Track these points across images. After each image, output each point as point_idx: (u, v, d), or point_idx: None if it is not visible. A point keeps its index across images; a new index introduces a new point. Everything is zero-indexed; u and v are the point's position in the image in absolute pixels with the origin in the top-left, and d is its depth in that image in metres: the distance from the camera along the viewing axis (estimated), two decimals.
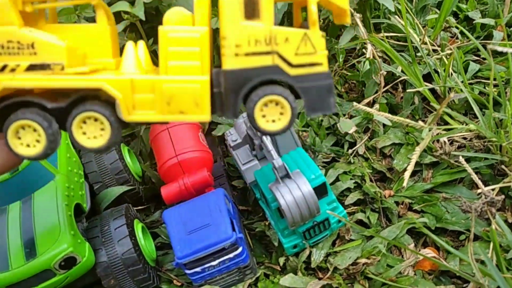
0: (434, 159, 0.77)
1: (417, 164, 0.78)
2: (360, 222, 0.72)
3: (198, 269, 0.61)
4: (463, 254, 0.58)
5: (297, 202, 0.56)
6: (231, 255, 0.61)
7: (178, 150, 0.69)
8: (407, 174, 0.64)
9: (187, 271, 0.61)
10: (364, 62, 0.80)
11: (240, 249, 0.61)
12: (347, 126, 0.74)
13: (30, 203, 0.60)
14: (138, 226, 0.68)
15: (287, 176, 0.58)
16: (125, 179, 0.74)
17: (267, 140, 0.59)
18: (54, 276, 0.57)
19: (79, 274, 0.60)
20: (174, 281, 0.69)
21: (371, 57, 0.75)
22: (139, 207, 0.78)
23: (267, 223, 0.69)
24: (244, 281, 0.66)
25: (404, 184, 0.66)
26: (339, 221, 0.65)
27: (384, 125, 0.84)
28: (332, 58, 0.96)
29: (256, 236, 0.72)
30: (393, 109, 0.87)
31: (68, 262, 0.57)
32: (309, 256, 0.66)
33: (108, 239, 0.62)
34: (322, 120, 0.85)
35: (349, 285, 0.64)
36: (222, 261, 0.61)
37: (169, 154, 0.69)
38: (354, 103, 0.74)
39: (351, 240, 0.69)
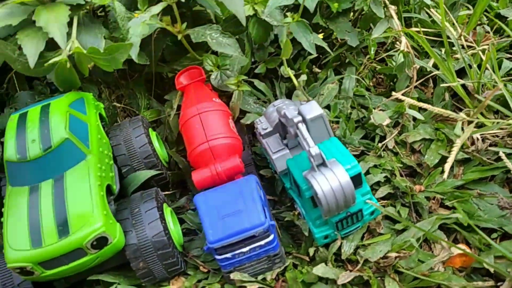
0: (466, 156, 0.75)
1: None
2: (389, 217, 0.71)
3: (228, 255, 0.60)
4: (504, 249, 0.57)
5: (334, 191, 0.55)
6: (262, 242, 0.60)
7: (209, 135, 0.68)
8: (447, 166, 0.63)
9: (217, 257, 0.60)
10: (398, 55, 0.78)
11: (271, 237, 0.61)
12: (381, 118, 0.73)
13: (62, 182, 0.60)
14: (167, 210, 0.67)
15: (323, 164, 0.57)
16: (154, 163, 0.73)
17: (303, 127, 0.58)
18: (85, 255, 0.57)
19: (109, 255, 0.60)
20: (201, 267, 0.69)
21: (405, 49, 0.73)
22: (165, 193, 0.78)
23: (296, 213, 0.68)
24: (273, 270, 0.65)
25: (445, 176, 0.65)
26: (372, 213, 0.64)
27: (414, 119, 0.83)
28: (360, 52, 0.94)
29: (283, 226, 0.72)
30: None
31: (100, 242, 0.56)
32: (339, 248, 0.65)
33: (138, 221, 0.62)
34: (351, 113, 0.84)
35: (379, 278, 0.63)
36: (253, 248, 0.61)
37: (200, 140, 0.68)
38: (393, 93, 0.72)
39: (380, 234, 0.68)
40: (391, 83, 0.92)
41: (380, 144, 0.79)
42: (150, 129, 0.79)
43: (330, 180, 0.56)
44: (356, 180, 0.60)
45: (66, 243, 0.55)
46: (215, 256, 0.61)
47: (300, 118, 0.58)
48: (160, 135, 0.85)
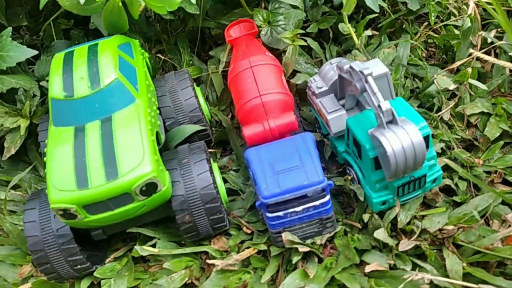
0: None
1: (508, 135, 0.73)
2: (446, 189, 0.66)
3: (280, 213, 0.57)
4: None
5: (405, 151, 0.51)
6: (316, 203, 0.57)
7: (262, 90, 0.64)
8: None
9: (268, 215, 0.57)
10: (465, 20, 0.73)
11: (327, 198, 0.57)
12: (446, 82, 0.68)
13: (110, 123, 0.56)
14: (214, 166, 0.64)
15: (394, 122, 0.53)
16: (199, 118, 0.70)
17: (373, 81, 0.54)
18: (132, 202, 0.54)
19: (155, 205, 0.56)
20: (244, 228, 0.66)
21: (473, 14, 0.69)
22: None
23: (349, 178, 0.64)
24: (322, 235, 0.61)
25: None
26: (434, 181, 0.60)
27: (470, 94, 0.78)
28: (414, 20, 0.89)
29: (331, 194, 0.68)
30: (480, 78, 0.81)
31: (149, 188, 0.53)
32: (394, 217, 0.61)
33: (187, 172, 0.58)
34: (404, 82, 0.80)
35: (435, 251, 0.60)
36: (306, 208, 0.57)
37: (252, 94, 0.64)
38: (455, 62, 0.68)
39: (435, 207, 0.64)
40: (444, 56, 0.88)
41: (436, 115, 0.74)
42: (194, 84, 0.75)
43: (402, 138, 0.52)
44: (425, 143, 0.55)
45: (114, 186, 0.51)
46: (265, 213, 0.57)
47: (370, 70, 0.54)
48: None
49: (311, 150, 0.57)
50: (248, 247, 0.62)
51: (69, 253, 0.58)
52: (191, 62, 0.85)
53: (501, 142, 0.70)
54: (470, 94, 0.78)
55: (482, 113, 0.75)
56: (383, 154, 0.53)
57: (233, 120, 0.80)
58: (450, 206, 0.64)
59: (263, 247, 0.62)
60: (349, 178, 0.64)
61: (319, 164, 0.56)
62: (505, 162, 0.68)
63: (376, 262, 0.56)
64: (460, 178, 0.67)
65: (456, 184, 0.66)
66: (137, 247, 0.60)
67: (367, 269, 0.55)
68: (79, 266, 0.59)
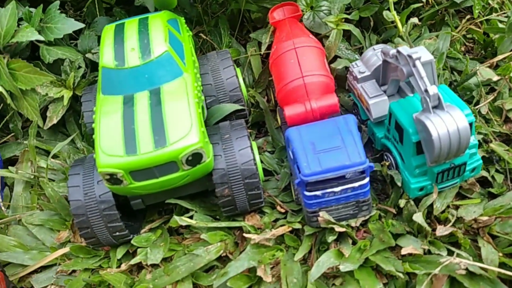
0: None
1: None
2: (482, 181, 0.66)
3: (318, 193, 0.57)
4: None
5: (450, 135, 0.52)
6: (355, 184, 0.57)
7: (305, 71, 0.65)
8: None
9: (306, 193, 0.58)
10: (511, 13, 0.73)
11: (366, 180, 0.58)
12: (489, 73, 0.68)
13: (159, 94, 0.58)
14: (253, 144, 0.65)
15: (439, 107, 0.53)
16: (238, 97, 0.71)
17: (420, 65, 0.54)
18: (177, 171, 0.55)
19: (197, 176, 0.58)
20: (278, 207, 0.67)
21: None
22: None
23: (386, 163, 0.65)
24: (357, 218, 0.62)
25: None
26: (473, 170, 0.60)
27: (510, 89, 0.78)
28: (455, 14, 0.89)
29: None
30: None
31: (195, 158, 0.54)
32: (430, 205, 0.62)
33: (228, 147, 0.59)
34: (442, 74, 0.80)
35: (470, 241, 0.60)
36: (345, 189, 0.58)
37: (294, 75, 0.65)
38: (498, 55, 0.67)
39: (470, 198, 0.64)
40: (482, 51, 0.87)
41: (474, 108, 0.74)
42: (235, 65, 0.76)
43: (447, 123, 0.52)
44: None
45: (162, 154, 0.53)
46: (303, 192, 0.58)
47: (419, 54, 0.54)
48: None
49: (353, 131, 0.58)
50: (282, 225, 0.63)
51: (110, 219, 0.59)
52: (230, 44, 0.86)
53: None
54: (510, 89, 0.77)
55: None
56: (427, 138, 0.53)
57: (269, 103, 0.81)
58: (485, 198, 0.64)
59: (297, 225, 0.63)
60: (387, 163, 0.64)
61: (361, 146, 0.56)
62: None
63: (411, 246, 0.57)
64: (497, 171, 0.67)
65: (492, 177, 0.66)
66: (176, 217, 0.61)
67: (403, 251, 0.55)
68: (117, 233, 0.61)
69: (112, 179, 0.54)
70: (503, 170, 0.67)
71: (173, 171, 0.55)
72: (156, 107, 0.56)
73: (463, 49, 0.88)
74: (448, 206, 0.63)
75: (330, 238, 0.59)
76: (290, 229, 0.63)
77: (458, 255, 0.56)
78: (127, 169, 0.53)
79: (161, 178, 0.55)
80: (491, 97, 0.76)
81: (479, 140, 0.70)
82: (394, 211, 0.63)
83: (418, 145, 0.57)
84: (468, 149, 0.58)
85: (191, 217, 0.64)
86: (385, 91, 0.66)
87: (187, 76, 0.60)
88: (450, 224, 0.60)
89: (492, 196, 0.65)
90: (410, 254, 0.57)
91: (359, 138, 0.57)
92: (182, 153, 0.53)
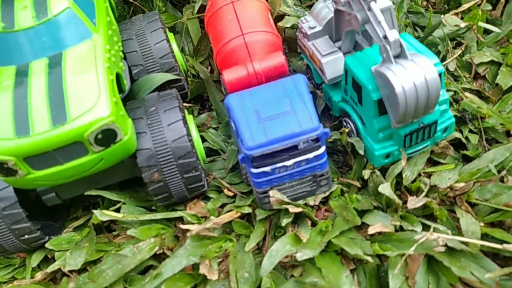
0: None
1: None
2: (454, 144, 0.58)
3: (267, 169, 0.48)
4: None
5: (417, 89, 0.43)
6: (310, 155, 0.48)
7: (246, 28, 0.55)
8: None
9: (253, 170, 0.48)
10: None
11: (322, 149, 0.48)
12: (456, 21, 0.60)
13: (60, 62, 0.46)
14: (189, 117, 0.54)
15: (402, 56, 0.44)
16: (171, 65, 0.60)
17: (377, 8, 0.45)
18: (86, 153, 0.44)
19: (116, 159, 0.47)
20: (225, 190, 0.57)
21: None
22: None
23: (346, 131, 0.56)
24: (316, 195, 0.53)
25: None
26: (445, 130, 0.52)
27: (477, 42, 0.70)
28: None
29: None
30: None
31: (107, 136, 0.43)
32: (398, 175, 0.53)
33: (155, 122, 0.49)
34: (404, 30, 0.71)
35: (447, 212, 0.52)
36: (298, 162, 0.48)
37: (233, 33, 0.55)
38: (463, 4, 0.59)
39: (442, 163, 0.56)
40: (445, 6, 0.79)
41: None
42: (167, 30, 0.65)
43: (413, 74, 0.43)
44: None
45: (62, 133, 0.42)
46: (249, 169, 0.48)
47: None
48: None
49: (304, 94, 0.48)
50: (229, 210, 0.53)
51: (13, 220, 0.48)
52: (164, 9, 0.74)
53: None
54: (478, 42, 0.70)
55: (492, 62, 0.67)
56: (390, 94, 0.44)
57: (212, 74, 0.70)
58: (460, 162, 0.57)
59: (247, 210, 0.53)
60: (346, 130, 0.55)
61: (314, 110, 0.47)
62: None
63: (380, 223, 0.48)
64: (471, 131, 0.59)
65: (466, 138, 0.58)
66: (96, 212, 0.50)
67: (370, 230, 0.47)
68: (26, 236, 0.50)
69: (4, 169, 0.43)
70: (477, 130, 0.59)
71: (80, 155, 0.44)
72: (55, 77, 0.45)
73: (424, 4, 0.80)
74: (419, 174, 0.54)
75: (285, 221, 0.50)
76: (239, 214, 0.53)
77: (435, 230, 0.48)
78: (19, 155, 0.42)
79: (66, 164, 0.44)
80: (458, 52, 0.68)
81: (448, 99, 0.62)
82: (358, 184, 0.54)
83: (380, 104, 0.48)
84: (438, 105, 0.50)
85: (118, 210, 0.53)
86: (340, 48, 0.57)
87: (97, 37, 0.49)
88: (423, 194, 0.52)
89: (467, 160, 0.57)
90: (379, 233, 0.49)
91: (311, 100, 0.48)
92: (88, 130, 0.42)
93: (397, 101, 0.43)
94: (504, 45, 0.72)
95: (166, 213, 0.54)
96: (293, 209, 0.49)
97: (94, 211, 0.50)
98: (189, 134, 0.50)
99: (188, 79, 0.64)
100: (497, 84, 0.65)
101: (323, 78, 0.58)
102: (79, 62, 0.46)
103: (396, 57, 0.45)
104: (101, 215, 0.50)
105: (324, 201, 0.55)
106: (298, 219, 0.53)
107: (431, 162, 0.57)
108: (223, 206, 0.56)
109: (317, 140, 0.47)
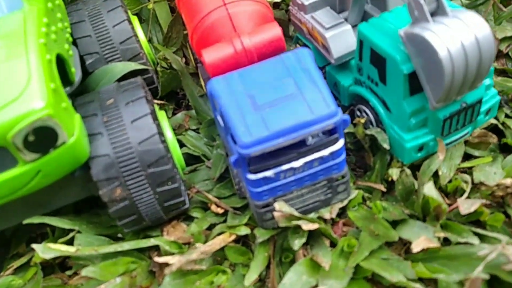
0: None
1: None
2: (492, 129, 0.48)
3: (269, 173, 0.35)
4: None
5: (466, 52, 0.32)
6: (325, 152, 0.36)
7: None
8: None
9: (250, 176, 0.36)
10: None
11: (340, 143, 0.36)
12: None
13: None
14: (161, 114, 0.42)
15: (439, 12, 0.34)
16: (135, 52, 0.48)
17: None
18: (14, 164, 0.31)
19: (60, 172, 0.34)
20: (212, 207, 0.44)
21: None
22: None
23: (361, 121, 0.44)
24: (331, 205, 0.41)
25: None
26: (487, 113, 0.41)
27: (495, 16, 0.61)
28: None
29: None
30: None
31: (42, 137, 0.30)
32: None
33: (114, 118, 0.36)
34: None
35: (492, 213, 0.41)
36: (309, 162, 0.36)
37: (213, 4, 0.43)
38: None
39: (475, 156, 0.45)
40: None
41: None
42: (129, 12, 0.53)
43: (460, 33, 0.32)
44: None
45: None
46: (245, 176, 0.36)
47: None
48: None
49: (312, 70, 0.36)
50: (220, 233, 0.41)
51: None
52: None
53: None
54: (495, 16, 0.60)
55: None
56: (429, 62, 0.33)
57: (188, 66, 0.58)
58: (498, 154, 0.46)
59: (244, 230, 0.40)
60: (362, 121, 0.44)
61: (327, 90, 0.35)
62: None
63: (423, 237, 0.36)
64: (507, 116, 0.49)
65: (503, 124, 0.48)
66: (37, 247, 0.36)
67: (415, 247, 0.35)
68: None
69: None
70: None
71: (6, 166, 0.30)
72: None
73: None
74: (456, 171, 0.43)
75: (298, 243, 0.37)
76: (234, 237, 0.40)
77: (491, 241, 0.37)
78: None
79: None
80: None
81: None
82: (383, 188, 0.43)
83: (412, 79, 0.36)
84: None
85: (72, 241, 0.40)
86: (346, 20, 0.46)
87: (29, 9, 0.36)
88: (465, 195, 0.40)
89: (506, 150, 0.46)
90: (422, 250, 0.37)
91: (321, 78, 0.36)
92: (12, 129, 0.29)
93: (441, 70, 0.32)
94: None
95: (136, 242, 0.40)
96: (307, 226, 0.37)
97: (34, 246, 0.37)
98: (161, 133, 0.38)
99: (159, 70, 0.52)
100: None
101: (328, 57, 0.46)
102: (3, 38, 0.33)
103: (432, 14, 0.34)
104: (45, 251, 0.36)
105: (340, 213, 0.43)
106: (310, 238, 0.40)
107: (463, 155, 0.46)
108: (211, 227, 0.43)
109: (333, 130, 0.36)
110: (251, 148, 0.33)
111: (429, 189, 0.36)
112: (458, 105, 0.37)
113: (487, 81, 0.39)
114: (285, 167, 0.36)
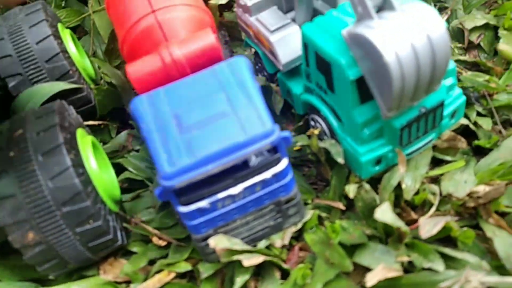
0: None
1: None
2: (464, 130, 0.44)
3: (203, 204, 0.31)
4: None
5: (417, 54, 0.27)
6: (267, 175, 0.31)
7: (158, 2, 0.38)
8: None
9: (182, 209, 0.31)
10: None
11: (284, 163, 0.32)
12: None
13: None
14: (84, 141, 0.37)
15: (386, 7, 0.29)
16: (64, 70, 0.43)
17: None
18: None
19: None
20: (154, 239, 0.39)
21: None
22: (90, 123, 0.47)
23: (315, 132, 0.40)
24: (284, 230, 0.36)
25: None
26: (452, 115, 0.37)
27: (463, 5, 0.57)
28: None
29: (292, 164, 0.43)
30: None
31: None
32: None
33: (22, 153, 0.31)
34: None
35: (465, 227, 0.36)
36: (250, 187, 0.32)
37: (141, 10, 0.38)
38: None
39: (446, 161, 0.41)
40: None
41: None
42: (60, 25, 0.48)
43: (409, 32, 0.27)
44: None
45: None
46: (176, 208, 0.31)
47: None
48: (85, 50, 0.54)
49: (247, 83, 0.32)
50: (159, 271, 0.36)
51: None
52: (63, 3, 0.57)
53: None
54: (464, 5, 0.56)
55: (486, 27, 0.53)
56: (375, 66, 0.29)
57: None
58: (470, 157, 0.42)
59: (184, 267, 0.36)
60: (316, 132, 0.39)
61: (263, 105, 0.31)
62: None
63: (381, 266, 0.32)
64: (480, 114, 0.45)
65: (475, 123, 0.44)
66: None
67: (369, 281, 0.30)
68: None
69: None
70: (487, 112, 0.45)
71: None
72: None
73: None
74: (422, 182, 0.39)
75: (240, 280, 0.33)
76: (173, 275, 0.36)
77: (459, 263, 0.32)
78: None
79: None
80: (444, 17, 0.54)
81: None
82: (341, 206, 0.38)
83: (361, 86, 0.32)
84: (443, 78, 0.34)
85: None
86: (294, 20, 0.41)
87: None
88: (433, 209, 0.36)
89: (479, 153, 0.42)
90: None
91: (258, 92, 0.31)
92: None
93: (389, 75, 0.28)
94: (494, 7, 0.59)
95: (66, 286, 0.36)
96: (249, 262, 0.32)
97: None
98: (79, 165, 0.33)
99: (93, 88, 0.47)
100: (495, 53, 0.51)
101: (276, 64, 0.42)
102: None
103: (379, 10, 0.30)
104: None
105: (298, 235, 0.39)
106: (262, 268, 0.36)
107: (432, 161, 0.42)
108: (154, 261, 0.38)
109: (274, 150, 0.31)
110: (174, 178, 0.29)
111: (383, 214, 0.31)
112: (417, 111, 0.33)
113: (448, 81, 0.35)
114: (221, 195, 0.31)
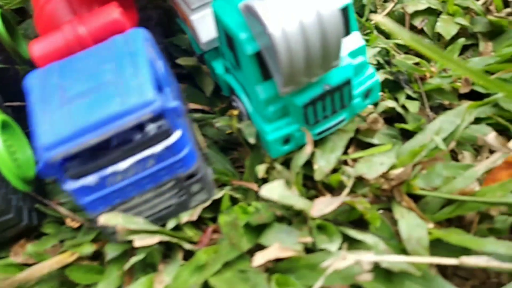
0: (491, 28, 0.49)
1: (467, 35, 0.50)
2: (389, 118, 0.42)
3: (91, 179, 0.30)
4: None
5: (304, 29, 0.26)
6: (157, 148, 0.30)
7: None
8: None
9: (68, 186, 0.30)
10: None
11: (176, 135, 0.31)
12: None
13: None
14: None
15: None
16: None
17: None
18: None
19: None
20: (67, 220, 0.38)
21: None
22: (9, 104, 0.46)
23: (234, 113, 0.39)
24: (192, 209, 0.35)
25: None
26: (366, 94, 0.36)
27: None
28: None
29: (219, 146, 0.42)
30: None
31: None
32: (309, 163, 0.36)
33: None
34: None
35: (381, 211, 0.35)
36: (141, 162, 0.31)
37: None
38: None
39: (372, 145, 0.40)
40: None
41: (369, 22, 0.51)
42: None
43: (297, 7, 0.26)
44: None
45: None
46: (64, 184, 0.30)
47: None
48: (28, 32, 0.53)
49: (138, 53, 0.31)
50: (63, 251, 0.35)
51: None
52: None
53: (461, 40, 0.47)
54: None
55: (429, 11, 0.52)
56: (266, 39, 0.28)
57: None
58: (399, 141, 0.41)
59: (88, 248, 0.35)
60: (235, 113, 0.38)
61: (149, 74, 0.30)
62: (470, 69, 0.45)
63: (276, 245, 0.31)
64: (409, 97, 0.44)
65: (403, 107, 0.42)
66: None
67: (256, 261, 0.29)
68: None
69: None
70: (417, 96, 0.44)
71: None
72: None
73: None
74: (344, 163, 0.38)
75: (132, 260, 0.32)
76: (76, 256, 0.35)
77: (361, 244, 0.31)
78: None
79: None
80: (391, 5, 0.53)
81: (378, 62, 0.46)
82: (255, 187, 0.37)
83: (261, 60, 0.31)
84: (351, 56, 0.33)
85: None
86: None
87: None
88: (346, 191, 0.35)
89: (408, 136, 0.41)
90: (280, 260, 0.31)
91: (146, 62, 0.30)
92: None
93: (275, 50, 0.27)
94: None
95: None
96: (140, 242, 0.31)
97: None
98: None
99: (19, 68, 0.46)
100: (439, 39, 0.50)
101: (198, 43, 0.41)
102: None
103: None
104: None
105: (214, 216, 0.38)
106: (171, 249, 0.35)
107: (360, 145, 0.41)
108: (63, 241, 0.38)
109: (159, 118, 0.30)
110: (52, 150, 0.28)
111: (269, 191, 0.30)
112: (320, 88, 0.32)
113: (358, 60, 0.34)
114: (109, 170, 0.30)
